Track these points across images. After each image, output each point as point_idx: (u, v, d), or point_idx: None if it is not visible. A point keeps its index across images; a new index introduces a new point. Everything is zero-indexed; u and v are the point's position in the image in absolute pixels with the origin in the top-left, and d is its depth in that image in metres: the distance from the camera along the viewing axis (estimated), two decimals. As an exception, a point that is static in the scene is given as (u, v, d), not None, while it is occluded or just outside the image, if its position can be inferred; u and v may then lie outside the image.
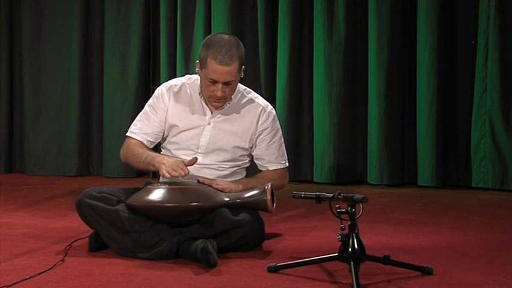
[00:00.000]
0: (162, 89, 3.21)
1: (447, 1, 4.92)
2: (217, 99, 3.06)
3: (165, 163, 2.94)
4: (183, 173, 2.89)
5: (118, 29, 5.51)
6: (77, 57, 5.58)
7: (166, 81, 3.32)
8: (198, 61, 3.08)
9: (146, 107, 3.23)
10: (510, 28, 4.76)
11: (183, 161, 2.95)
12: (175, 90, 3.19)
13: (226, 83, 3.01)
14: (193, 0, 5.33)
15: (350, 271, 2.35)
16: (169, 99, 3.17)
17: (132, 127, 3.22)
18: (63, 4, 5.62)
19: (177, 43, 5.34)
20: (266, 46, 5.22)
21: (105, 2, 5.55)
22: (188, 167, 2.93)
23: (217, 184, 2.99)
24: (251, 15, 5.27)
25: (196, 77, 3.19)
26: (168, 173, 2.89)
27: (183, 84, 3.20)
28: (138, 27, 5.47)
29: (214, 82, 3.01)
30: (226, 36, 3.08)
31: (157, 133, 3.19)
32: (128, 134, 3.22)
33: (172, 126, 3.17)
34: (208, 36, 3.19)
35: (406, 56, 5.05)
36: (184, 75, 3.32)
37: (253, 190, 2.91)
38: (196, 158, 2.96)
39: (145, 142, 3.17)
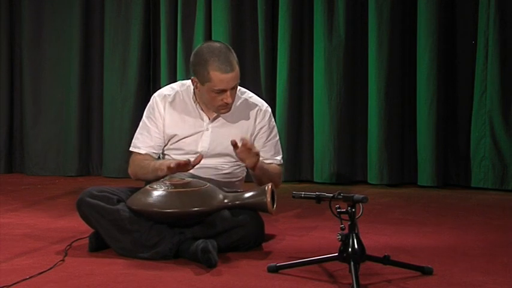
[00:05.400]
0: (156, 99, 3.20)
1: (447, 1, 4.92)
2: (227, 106, 3.07)
3: (170, 161, 2.97)
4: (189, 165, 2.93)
5: (118, 29, 5.50)
6: (77, 57, 5.56)
7: (164, 86, 3.32)
8: (193, 77, 3.07)
9: (144, 118, 3.22)
10: (510, 28, 4.75)
11: (189, 161, 2.96)
12: (170, 100, 3.18)
13: (232, 88, 3.03)
14: (194, 0, 5.33)
15: (350, 271, 2.35)
16: (164, 109, 3.17)
17: (135, 141, 3.22)
18: (63, 4, 5.61)
19: (177, 43, 5.33)
20: (266, 46, 5.21)
21: (105, 2, 5.54)
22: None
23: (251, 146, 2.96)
24: (251, 15, 5.26)
25: (189, 83, 3.18)
26: (173, 163, 2.92)
27: (177, 92, 3.20)
28: (138, 27, 5.46)
29: (222, 91, 3.01)
30: (218, 45, 3.08)
31: (160, 144, 3.20)
32: (131, 149, 3.22)
33: (171, 136, 3.18)
34: (196, 50, 3.09)
35: (406, 56, 5.05)
36: (183, 79, 3.31)
37: (253, 191, 2.90)
38: (201, 156, 2.97)
39: (150, 154, 3.18)
